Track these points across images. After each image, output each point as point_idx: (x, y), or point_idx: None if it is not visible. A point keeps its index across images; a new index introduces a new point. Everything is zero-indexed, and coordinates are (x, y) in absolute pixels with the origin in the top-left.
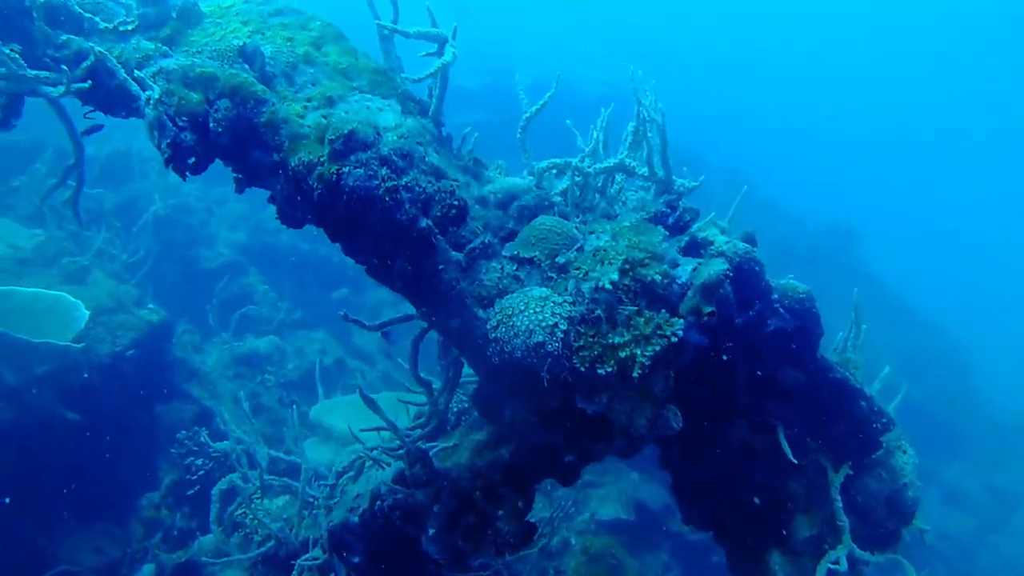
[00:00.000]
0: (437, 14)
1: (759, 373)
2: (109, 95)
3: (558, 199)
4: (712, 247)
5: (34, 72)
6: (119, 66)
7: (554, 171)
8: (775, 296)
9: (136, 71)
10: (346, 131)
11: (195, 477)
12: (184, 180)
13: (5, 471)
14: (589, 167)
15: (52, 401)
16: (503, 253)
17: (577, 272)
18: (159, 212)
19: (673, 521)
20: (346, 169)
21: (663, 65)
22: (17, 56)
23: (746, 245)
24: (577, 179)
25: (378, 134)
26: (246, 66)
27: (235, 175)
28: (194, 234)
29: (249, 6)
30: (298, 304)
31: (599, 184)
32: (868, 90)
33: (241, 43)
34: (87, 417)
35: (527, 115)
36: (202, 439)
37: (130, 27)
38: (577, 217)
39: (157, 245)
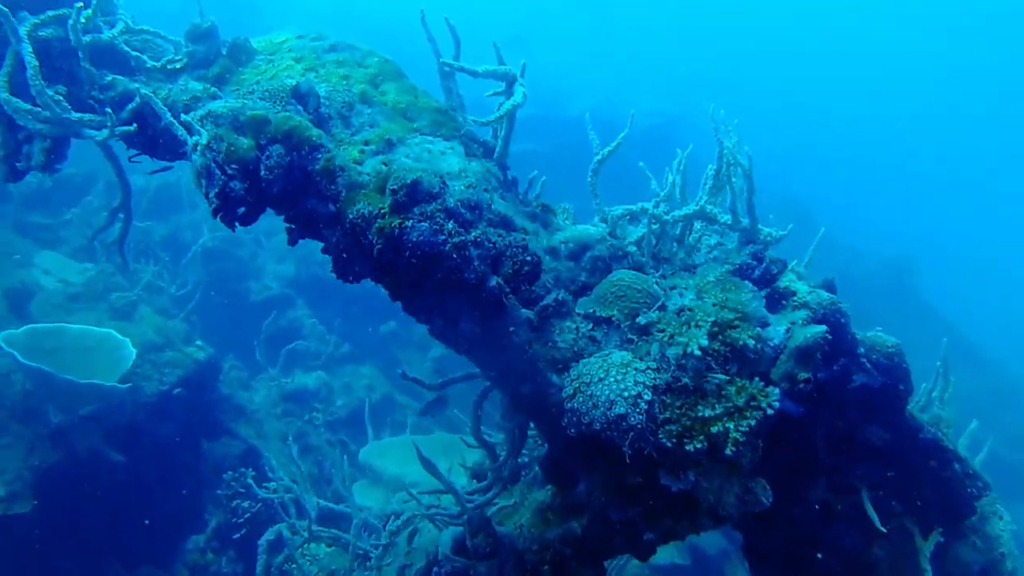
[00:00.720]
0: (489, 44)
1: (841, 431)
2: (155, 138)
3: (633, 248)
4: (795, 298)
5: (78, 115)
6: (165, 109)
7: (627, 216)
8: (861, 350)
9: (184, 114)
10: (409, 181)
11: (241, 520)
12: (233, 231)
13: (50, 512)
14: (667, 214)
15: (98, 442)
16: (576, 310)
17: (661, 335)
18: (207, 244)
19: (730, 566)
20: (409, 223)
21: (715, 91)
22: (61, 98)
23: (830, 296)
24: (654, 227)
25: (444, 184)
26: (300, 107)
27: (287, 224)
28: (243, 266)
29: (303, 42)
30: (346, 337)
31: (676, 232)
32: (928, 120)
33: (294, 82)
34: (132, 457)
35: (598, 157)
36: (248, 480)
37: (178, 65)
38: (655, 269)
39: (205, 277)
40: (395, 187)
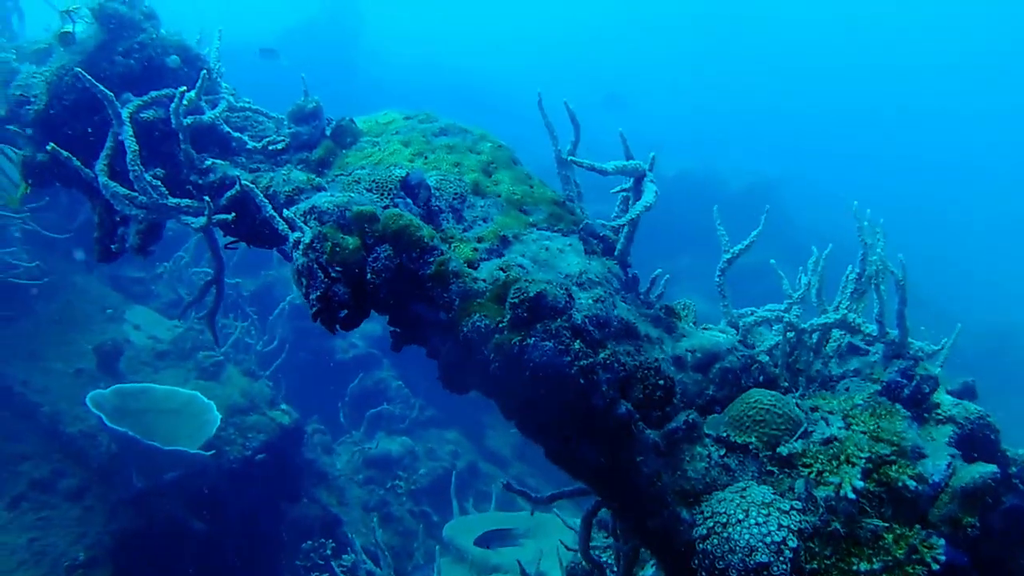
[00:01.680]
0: (580, 101)
1: (988, 557)
2: (254, 229)
3: (764, 358)
4: (939, 411)
5: (175, 201)
6: (266, 201)
7: (752, 319)
8: (1013, 469)
9: (286, 208)
10: (532, 294)
11: None
12: (333, 334)
13: None
14: (804, 322)
15: (179, 509)
16: (705, 430)
17: (807, 471)
18: (295, 301)
19: None
20: (531, 341)
21: (821, 153)
22: (159, 183)
23: (977, 408)
24: (789, 335)
25: (570, 298)
26: (409, 200)
27: (391, 328)
28: None
29: (410, 123)
30: (431, 400)
31: (813, 342)
32: None
33: (403, 173)
34: (212, 525)
35: (728, 256)
36: (327, 552)
37: (280, 146)
38: (793, 386)
39: (292, 334)
40: (516, 300)
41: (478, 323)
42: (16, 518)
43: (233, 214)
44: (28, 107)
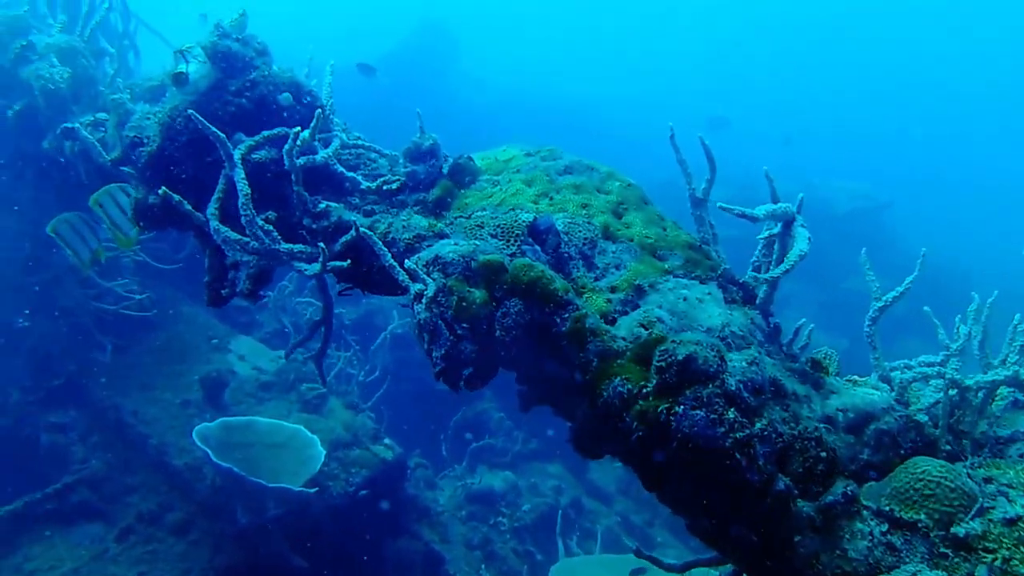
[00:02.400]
0: (683, 124)
1: None
2: (371, 277)
3: (923, 418)
4: None
5: (288, 247)
6: (386, 250)
7: (909, 374)
8: None
9: (407, 259)
10: (681, 357)
11: None
12: (456, 392)
13: None
14: (968, 378)
15: (282, 546)
16: (863, 501)
17: (990, 556)
18: (396, 330)
19: None
20: (680, 409)
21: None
22: (272, 228)
23: None
24: (951, 393)
25: (722, 361)
26: (536, 247)
27: (519, 386)
28: None
29: (532, 160)
30: (534, 433)
31: (979, 400)
32: None
33: (531, 218)
34: (314, 562)
35: (879, 305)
36: None
37: (394, 186)
38: (961, 454)
39: (393, 364)
40: (663, 364)
41: (619, 388)
42: (125, 551)
43: (349, 261)
44: (142, 149)
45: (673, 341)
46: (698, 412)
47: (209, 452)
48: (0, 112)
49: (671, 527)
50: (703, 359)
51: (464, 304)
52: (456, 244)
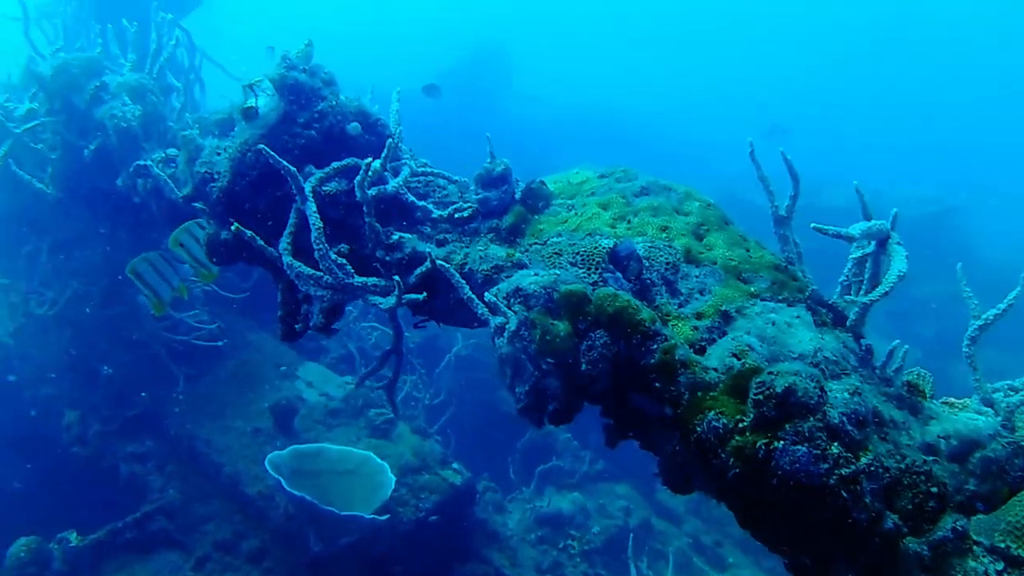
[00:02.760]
0: (742, 134)
1: None
2: (448, 308)
3: None
4: None
5: (362, 280)
6: (463, 282)
7: (1016, 398)
8: None
9: (487, 293)
10: (780, 390)
11: None
12: (539, 428)
13: None
14: None
15: (354, 572)
16: (974, 536)
17: None
18: (460, 352)
19: None
20: (780, 445)
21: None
22: (345, 262)
23: None
24: None
25: (822, 393)
26: (618, 274)
27: (604, 419)
28: (495, 375)
29: (606, 182)
30: (601, 453)
31: None
32: None
33: (611, 244)
34: None
35: (979, 323)
36: None
37: (466, 213)
38: None
39: (458, 386)
40: (760, 397)
41: (713, 422)
42: None
43: (424, 294)
44: (212, 185)
45: (770, 372)
46: (800, 448)
47: (282, 480)
48: (77, 152)
49: (742, 547)
50: (803, 391)
51: (548, 338)
52: (536, 275)
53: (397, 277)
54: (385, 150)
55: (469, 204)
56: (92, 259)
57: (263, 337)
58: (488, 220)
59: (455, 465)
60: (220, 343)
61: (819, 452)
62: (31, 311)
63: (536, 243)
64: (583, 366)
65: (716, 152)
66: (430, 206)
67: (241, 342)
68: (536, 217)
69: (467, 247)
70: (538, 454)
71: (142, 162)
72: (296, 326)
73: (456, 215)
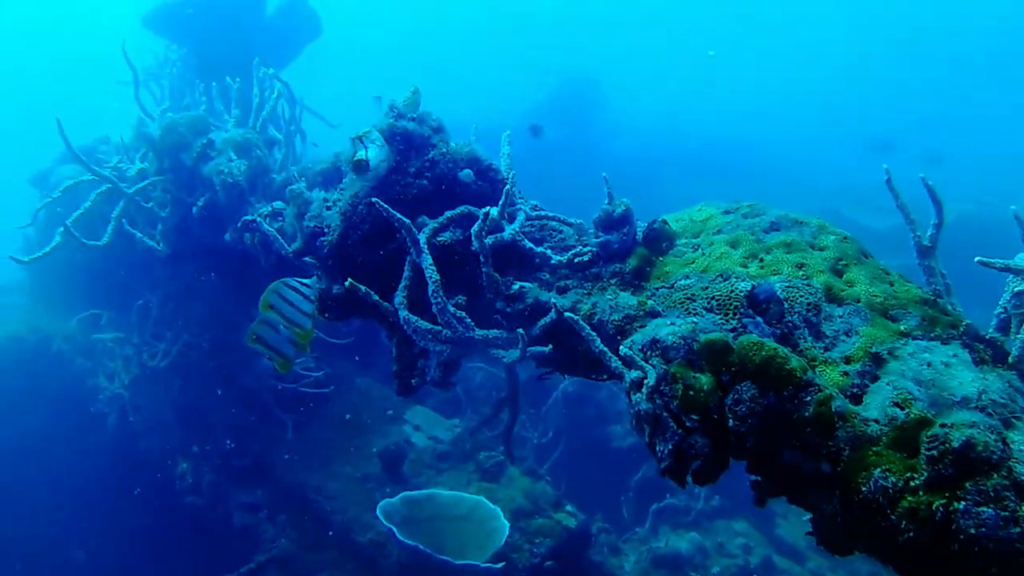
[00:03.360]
0: (844, 148)
1: None
2: (574, 360)
3: None
4: None
5: (482, 333)
6: (594, 335)
7: None
8: None
9: (622, 345)
10: (956, 445)
11: None
12: (682, 488)
13: None
14: None
15: None
16: None
17: None
18: (567, 389)
19: None
20: (961, 506)
21: None
22: (464, 315)
23: None
24: None
25: (1005, 444)
26: (758, 319)
27: (753, 477)
28: (603, 410)
29: (732, 218)
30: (716, 488)
31: None
32: None
33: (747, 286)
34: None
35: None
36: None
37: (586, 258)
38: None
39: (566, 423)
40: (935, 453)
41: (881, 481)
42: None
43: (550, 346)
44: (323, 239)
45: (943, 425)
46: (985, 509)
47: (394, 530)
48: (186, 208)
49: None
50: (983, 444)
51: (691, 393)
52: (673, 324)
53: (521, 330)
54: (503, 197)
55: (589, 248)
56: (201, 312)
57: (369, 381)
58: (610, 264)
59: (568, 507)
60: (328, 390)
61: (1008, 514)
62: (144, 363)
63: (663, 286)
64: (731, 422)
65: (814, 169)
66: (548, 252)
67: (347, 387)
68: (660, 259)
69: (593, 295)
70: (652, 492)
71: (249, 217)
72: (413, 381)
73: (576, 260)
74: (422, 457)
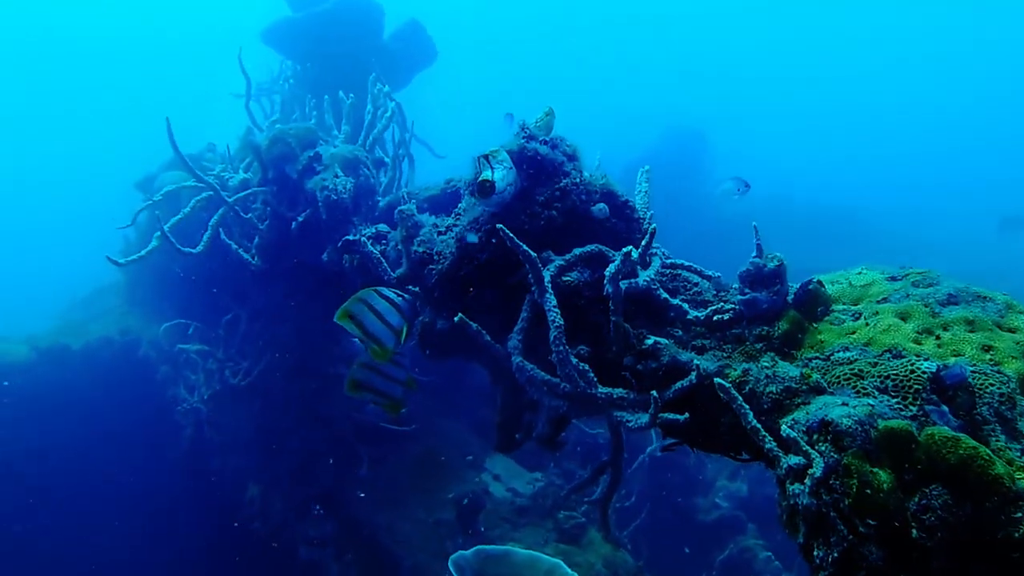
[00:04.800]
0: (969, 224)
1: None
2: (712, 433)
3: None
4: None
5: (606, 391)
6: (746, 408)
7: None
8: None
9: (784, 426)
10: None
11: None
12: None
13: None
14: None
15: None
16: None
17: None
18: (655, 453)
19: None
20: None
21: None
22: (587, 368)
23: None
24: None
25: None
26: (943, 408)
27: None
28: (690, 478)
29: (900, 286)
30: (803, 573)
31: None
32: None
33: (934, 368)
34: None
35: None
36: None
37: (726, 317)
38: None
39: (650, 489)
40: None
41: None
42: None
43: (687, 415)
44: (432, 267)
45: None
46: None
47: None
48: (285, 223)
49: None
50: None
51: (868, 491)
52: (846, 405)
53: (655, 393)
54: (646, 237)
55: (732, 306)
56: (287, 332)
57: (451, 424)
58: (755, 326)
59: None
60: (409, 428)
61: None
62: (226, 379)
63: (817, 357)
64: (915, 533)
65: (940, 250)
66: (685, 306)
67: (428, 427)
68: (814, 325)
69: (733, 359)
70: (736, 572)
71: (351, 237)
72: (517, 435)
73: (715, 318)
74: (499, 509)
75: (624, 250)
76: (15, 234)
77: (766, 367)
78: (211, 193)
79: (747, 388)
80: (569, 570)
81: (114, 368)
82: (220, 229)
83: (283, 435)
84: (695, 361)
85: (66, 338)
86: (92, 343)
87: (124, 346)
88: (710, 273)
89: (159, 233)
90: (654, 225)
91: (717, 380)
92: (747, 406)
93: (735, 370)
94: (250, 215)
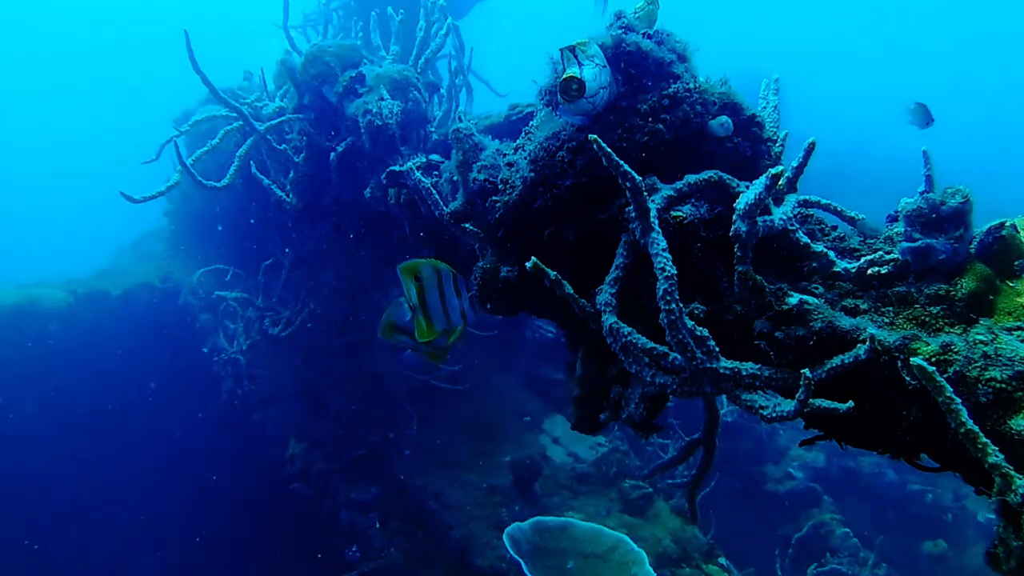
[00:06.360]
0: None
1: None
2: (890, 429)
3: None
4: None
5: (731, 365)
6: (957, 401)
7: None
8: None
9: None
10: None
11: None
12: None
13: None
14: None
15: None
16: None
17: None
18: (726, 419)
19: None
20: None
21: None
22: (706, 334)
23: None
24: None
25: None
26: None
27: None
28: (761, 447)
29: None
30: (885, 555)
31: None
32: None
33: None
34: None
35: None
36: None
37: (885, 269)
38: None
39: (720, 457)
40: None
41: None
42: None
43: (851, 403)
44: (495, 198)
45: None
46: None
47: (522, 564)
48: (324, 155)
49: None
50: None
51: None
52: None
53: (807, 371)
54: (800, 156)
55: (894, 256)
56: (332, 280)
57: (507, 381)
58: (926, 283)
59: (722, 560)
60: (463, 387)
61: None
62: (265, 329)
63: (1020, 328)
64: None
65: None
66: (831, 253)
67: (482, 384)
68: (1008, 283)
69: (905, 327)
70: (810, 549)
71: (397, 167)
72: (602, 415)
73: (871, 270)
74: (558, 475)
75: (773, 170)
76: (64, 176)
77: (982, 341)
78: (242, 123)
79: (951, 371)
80: (635, 545)
81: (154, 315)
82: (251, 162)
83: (326, 391)
84: (869, 330)
85: (105, 284)
86: (132, 289)
87: (164, 293)
88: (852, 214)
89: (179, 167)
90: (812, 139)
91: (915, 360)
92: (959, 399)
93: (928, 344)
94: (284, 147)
